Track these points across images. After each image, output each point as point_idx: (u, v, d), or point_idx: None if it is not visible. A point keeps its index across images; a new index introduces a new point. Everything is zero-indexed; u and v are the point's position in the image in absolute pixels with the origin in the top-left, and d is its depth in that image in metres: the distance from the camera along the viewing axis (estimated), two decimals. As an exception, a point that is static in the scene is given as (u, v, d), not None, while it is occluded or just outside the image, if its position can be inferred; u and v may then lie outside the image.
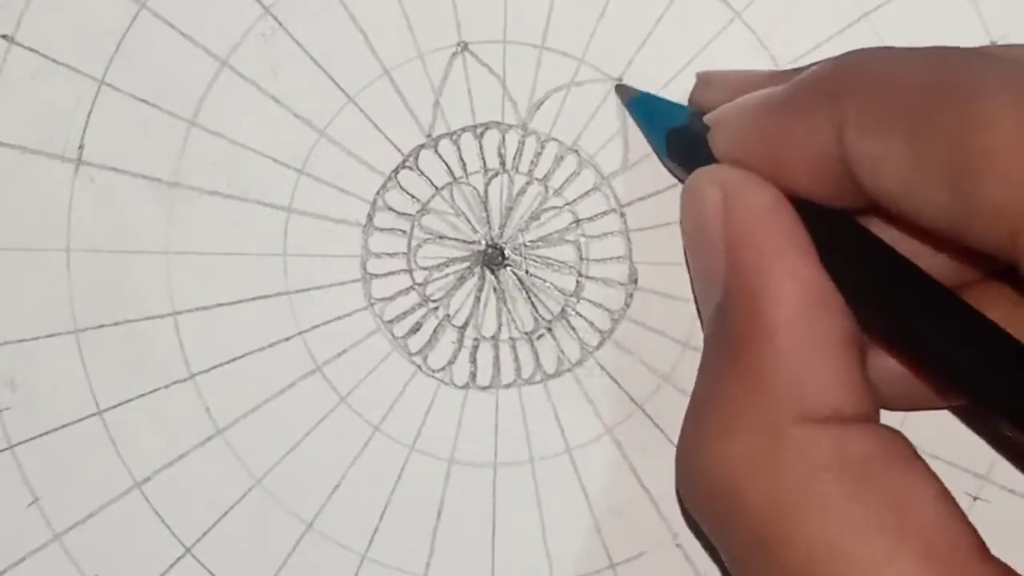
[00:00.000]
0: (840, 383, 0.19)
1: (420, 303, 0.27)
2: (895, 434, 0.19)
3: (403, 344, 0.27)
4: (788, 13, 0.27)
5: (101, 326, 0.26)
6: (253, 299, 0.27)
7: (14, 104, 0.27)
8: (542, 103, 0.27)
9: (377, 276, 0.27)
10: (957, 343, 0.18)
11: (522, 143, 0.27)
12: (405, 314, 0.27)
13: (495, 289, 0.27)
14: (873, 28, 0.27)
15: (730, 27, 0.27)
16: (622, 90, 0.27)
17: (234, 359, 0.27)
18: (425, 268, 0.27)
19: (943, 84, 0.17)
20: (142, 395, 0.26)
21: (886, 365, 0.21)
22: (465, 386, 0.27)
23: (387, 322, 0.27)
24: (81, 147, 0.27)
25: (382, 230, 0.27)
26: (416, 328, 0.27)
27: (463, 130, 0.27)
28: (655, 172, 0.27)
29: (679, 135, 0.24)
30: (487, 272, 0.27)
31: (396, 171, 0.27)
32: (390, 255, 0.27)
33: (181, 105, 0.27)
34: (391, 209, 0.27)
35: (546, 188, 0.27)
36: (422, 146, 0.27)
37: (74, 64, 0.27)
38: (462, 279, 0.27)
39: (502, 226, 0.27)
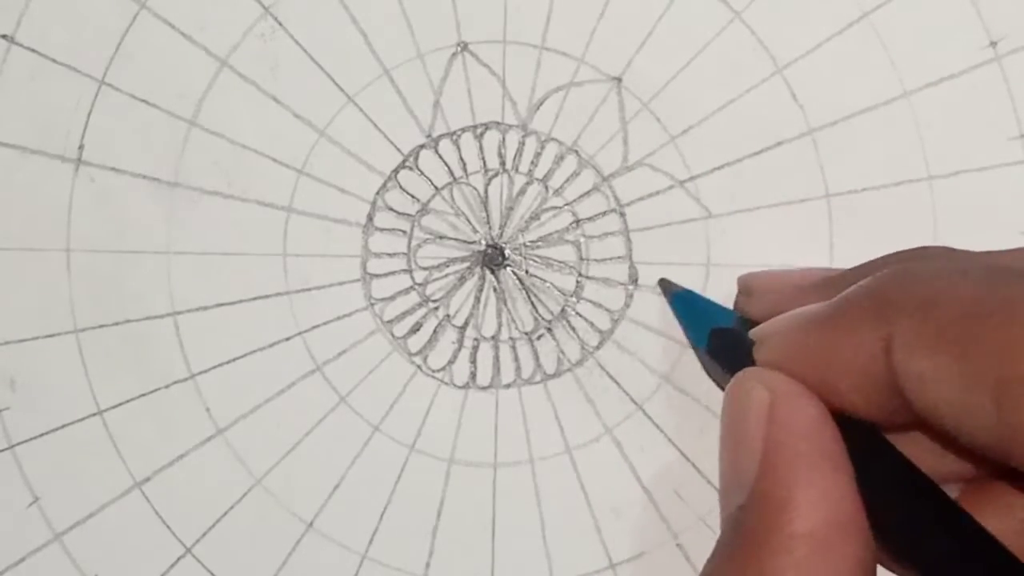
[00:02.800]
0: None
1: (420, 303, 0.27)
2: None
3: (403, 344, 0.27)
4: (788, 13, 0.27)
5: (101, 326, 0.26)
6: (253, 299, 0.27)
7: (14, 104, 0.27)
8: (542, 103, 0.27)
9: (377, 276, 0.27)
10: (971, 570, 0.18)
11: (522, 143, 0.27)
12: (405, 314, 0.27)
13: (495, 289, 0.27)
14: (873, 28, 0.27)
15: (730, 27, 0.27)
16: (665, 284, 0.27)
17: (234, 359, 0.27)
18: (425, 268, 0.27)
19: (990, 305, 0.17)
20: (142, 395, 0.26)
21: None
22: (465, 386, 0.27)
23: (387, 322, 0.27)
24: (81, 147, 0.27)
25: (382, 230, 0.27)
26: (416, 328, 0.27)
27: (463, 130, 0.27)
28: (655, 172, 0.27)
29: (724, 336, 0.24)
30: (487, 272, 0.27)
31: (396, 171, 0.27)
32: (390, 255, 0.27)
33: (181, 105, 0.27)
34: (391, 209, 0.27)
35: (546, 188, 0.27)
36: (422, 146, 0.27)
37: (74, 64, 0.27)
38: (462, 279, 0.27)
39: (502, 226, 0.27)
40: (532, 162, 0.27)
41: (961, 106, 0.27)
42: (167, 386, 0.26)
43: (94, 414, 0.26)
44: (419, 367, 0.27)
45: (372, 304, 0.27)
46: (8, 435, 0.26)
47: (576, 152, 0.27)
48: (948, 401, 0.17)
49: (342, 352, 0.27)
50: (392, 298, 0.27)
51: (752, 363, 0.21)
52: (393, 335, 0.27)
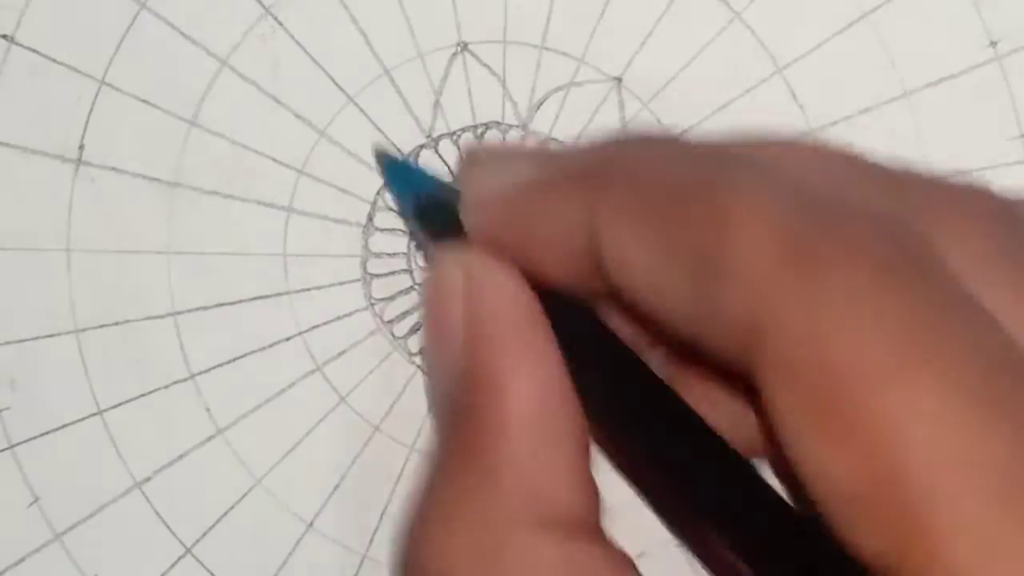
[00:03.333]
0: (572, 490, 0.18)
1: (420, 303, 0.27)
2: (620, 556, 0.18)
3: (403, 344, 0.27)
4: (788, 13, 0.27)
5: (101, 326, 0.26)
6: (253, 299, 0.27)
7: (14, 104, 0.27)
8: (542, 103, 0.27)
9: (377, 276, 0.27)
10: (680, 459, 0.18)
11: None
12: (405, 314, 0.27)
13: (495, 289, 0.27)
14: (873, 28, 0.27)
15: (730, 27, 0.27)
16: (380, 154, 0.26)
17: (234, 359, 0.27)
18: (425, 268, 0.27)
19: (697, 183, 0.16)
20: (142, 395, 0.26)
21: None
22: (465, 386, 0.27)
23: (387, 322, 0.27)
24: (81, 147, 0.27)
25: (382, 230, 0.27)
26: (416, 328, 0.27)
27: (463, 130, 0.27)
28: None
29: (431, 205, 0.23)
30: (487, 272, 0.27)
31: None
32: (390, 255, 0.27)
33: (181, 105, 0.27)
34: (391, 209, 0.27)
35: (546, 188, 0.27)
36: (422, 146, 0.27)
37: (74, 64, 0.27)
38: (462, 279, 0.27)
39: (502, 226, 0.27)
40: (532, 162, 0.27)
41: (961, 106, 0.27)
42: (167, 386, 0.26)
43: (94, 414, 0.26)
44: (419, 367, 0.27)
45: (372, 304, 0.27)
46: (8, 435, 0.26)
47: (576, 152, 0.27)
48: (646, 278, 0.17)
49: (342, 352, 0.27)
50: (392, 298, 0.27)
51: (460, 233, 0.21)
52: (393, 335, 0.27)
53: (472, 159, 0.23)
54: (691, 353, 0.18)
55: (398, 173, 0.25)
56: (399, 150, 0.26)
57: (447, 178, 0.25)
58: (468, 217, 0.20)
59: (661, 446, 0.18)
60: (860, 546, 0.13)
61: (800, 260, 0.14)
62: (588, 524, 0.18)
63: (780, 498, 0.16)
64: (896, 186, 0.17)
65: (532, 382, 0.18)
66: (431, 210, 0.23)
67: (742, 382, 0.15)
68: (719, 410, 0.19)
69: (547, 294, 0.19)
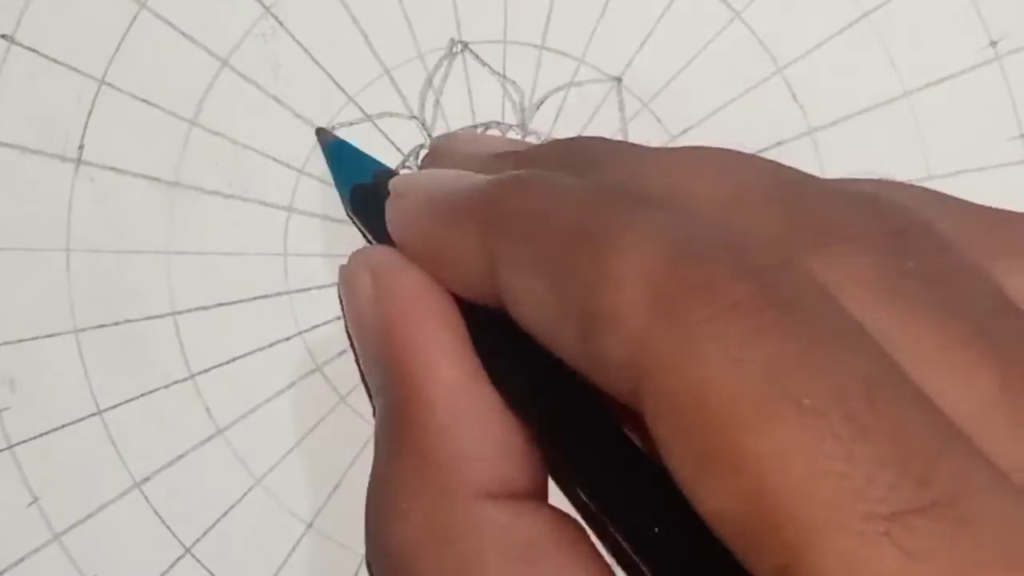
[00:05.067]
0: (505, 456, 0.19)
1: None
2: (566, 517, 0.19)
3: (403, 344, 0.27)
4: (788, 13, 0.27)
5: (101, 326, 0.26)
6: (253, 299, 0.27)
7: (14, 104, 0.27)
8: (542, 103, 0.27)
9: (377, 276, 0.27)
10: (586, 451, 0.18)
11: (522, 143, 0.27)
12: (405, 314, 0.27)
13: (495, 289, 0.27)
14: (873, 28, 0.27)
15: (730, 27, 0.27)
16: (322, 134, 0.26)
17: (234, 359, 0.27)
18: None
19: (584, 231, 0.17)
20: (142, 395, 0.26)
21: None
22: (465, 386, 0.27)
23: (387, 322, 0.27)
24: (81, 147, 0.27)
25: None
26: (416, 328, 0.27)
27: (463, 130, 0.27)
28: (655, 172, 0.27)
29: (366, 194, 0.24)
30: (487, 272, 0.27)
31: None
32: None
33: (181, 105, 0.27)
34: (391, 209, 0.27)
35: (546, 188, 0.27)
36: (422, 146, 0.27)
37: (74, 64, 0.27)
38: (462, 279, 0.27)
39: (502, 226, 0.27)
40: (532, 162, 0.27)
41: (961, 106, 0.27)
42: (167, 386, 0.26)
43: (94, 414, 0.26)
44: (419, 367, 0.27)
45: (372, 304, 0.27)
46: (8, 435, 0.26)
47: (576, 152, 0.27)
48: (541, 320, 0.18)
49: (342, 352, 0.27)
50: (392, 298, 0.27)
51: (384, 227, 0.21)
52: (393, 335, 0.27)
53: (432, 153, 0.24)
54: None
55: (340, 156, 0.26)
56: (327, 136, 0.26)
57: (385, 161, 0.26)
58: (390, 217, 0.22)
59: (573, 441, 0.19)
60: (753, 568, 0.14)
61: (669, 311, 0.15)
62: (530, 491, 0.19)
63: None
64: (786, 202, 0.18)
65: (447, 360, 0.19)
66: (366, 200, 0.24)
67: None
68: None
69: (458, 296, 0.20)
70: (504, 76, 0.27)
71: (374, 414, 0.21)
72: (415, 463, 0.19)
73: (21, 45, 0.27)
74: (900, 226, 0.17)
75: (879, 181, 0.20)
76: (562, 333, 0.17)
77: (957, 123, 0.27)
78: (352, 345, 0.23)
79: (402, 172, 0.24)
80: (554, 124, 0.27)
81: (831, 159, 0.27)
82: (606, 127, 0.27)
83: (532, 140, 0.27)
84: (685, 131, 0.27)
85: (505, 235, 0.18)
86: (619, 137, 0.27)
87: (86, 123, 0.27)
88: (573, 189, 0.18)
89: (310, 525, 0.26)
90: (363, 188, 0.24)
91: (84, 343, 0.26)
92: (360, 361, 0.22)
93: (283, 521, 0.26)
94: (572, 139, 0.26)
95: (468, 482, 0.19)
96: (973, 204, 0.19)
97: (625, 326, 0.15)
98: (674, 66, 0.27)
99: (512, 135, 0.27)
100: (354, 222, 0.26)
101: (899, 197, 0.18)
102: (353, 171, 0.25)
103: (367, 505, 0.21)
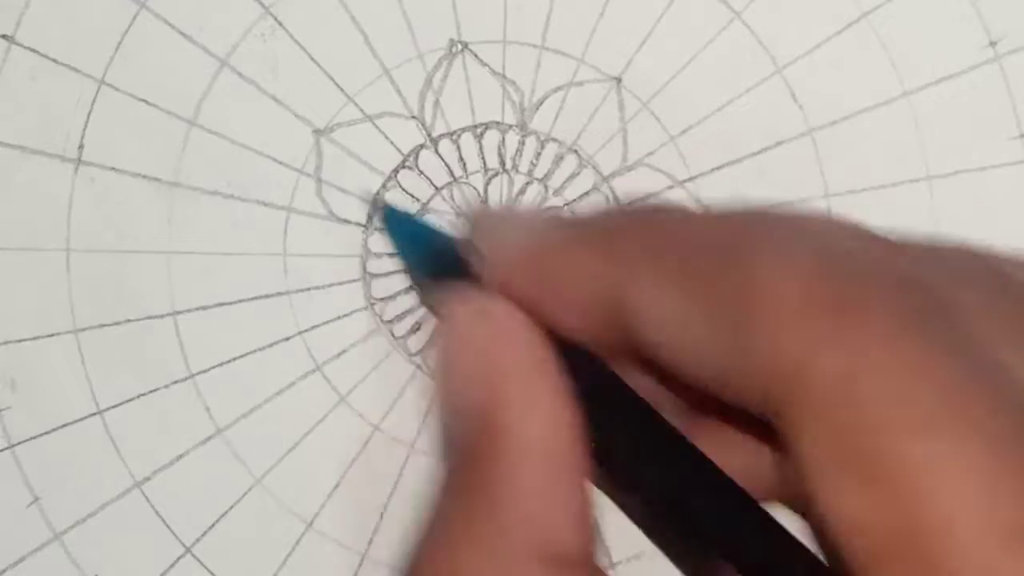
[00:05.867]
0: (572, 528, 0.19)
1: (420, 303, 0.27)
2: None
3: (403, 344, 0.27)
4: (788, 13, 0.27)
5: (101, 326, 0.26)
6: (253, 299, 0.27)
7: (14, 104, 0.27)
8: (542, 103, 0.27)
9: (377, 276, 0.27)
10: (689, 496, 0.18)
11: (522, 143, 0.27)
12: (405, 314, 0.27)
13: (495, 289, 0.27)
14: (873, 28, 0.27)
15: (730, 27, 0.27)
16: (380, 205, 0.26)
17: (234, 359, 0.27)
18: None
19: (720, 242, 0.17)
20: (142, 395, 0.26)
21: None
22: (465, 386, 0.27)
23: (387, 322, 0.27)
24: (81, 147, 0.27)
25: (382, 230, 0.27)
26: (416, 328, 0.27)
27: (463, 130, 0.27)
28: (655, 172, 0.27)
29: (438, 255, 0.24)
30: (487, 272, 0.27)
31: (396, 171, 0.27)
32: (390, 255, 0.27)
33: (181, 105, 0.27)
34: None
35: (546, 188, 0.27)
36: (422, 146, 0.27)
37: (74, 64, 0.27)
38: (462, 279, 0.27)
39: (502, 226, 0.27)
40: (532, 162, 0.27)
41: (961, 106, 0.27)
42: (167, 386, 0.26)
43: (94, 414, 0.26)
44: (419, 367, 0.27)
45: (372, 304, 0.27)
46: (8, 435, 0.26)
47: (576, 152, 0.27)
48: (676, 335, 0.17)
49: (342, 352, 0.27)
50: (392, 298, 0.27)
51: (474, 286, 0.21)
52: (393, 335, 0.27)
53: (486, 217, 0.24)
54: (710, 403, 0.18)
55: (399, 223, 0.26)
56: (401, 206, 0.26)
57: (446, 225, 0.26)
58: (489, 271, 0.21)
59: (675, 492, 0.18)
60: None
61: (833, 310, 0.15)
62: (584, 560, 0.19)
63: (797, 541, 0.16)
64: (911, 253, 0.18)
65: (542, 425, 0.19)
66: (438, 260, 0.24)
67: (761, 429, 0.16)
68: (734, 458, 0.19)
69: (562, 344, 0.20)
70: (504, 76, 0.27)
71: (444, 457, 0.21)
72: (483, 513, 0.19)
73: (21, 45, 0.27)
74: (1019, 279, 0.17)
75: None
76: (701, 343, 0.17)
77: (957, 123, 0.27)
78: (435, 390, 0.22)
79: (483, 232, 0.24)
80: (554, 124, 0.27)
81: (831, 159, 0.27)
82: (606, 127, 0.27)
83: (532, 140, 0.27)
84: (685, 131, 0.27)
85: (636, 253, 0.18)
86: (619, 137, 0.27)
87: (86, 123, 0.27)
88: (705, 211, 0.18)
89: (310, 525, 0.26)
90: (442, 252, 0.24)
91: (84, 343, 0.26)
92: (444, 403, 0.22)
93: (283, 521, 0.26)
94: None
95: (530, 544, 0.18)
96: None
97: (778, 323, 0.15)
98: (674, 66, 0.27)
99: (512, 135, 0.27)
100: (420, 294, 0.26)
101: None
102: (421, 239, 0.25)
103: (420, 534, 0.20)
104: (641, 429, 0.19)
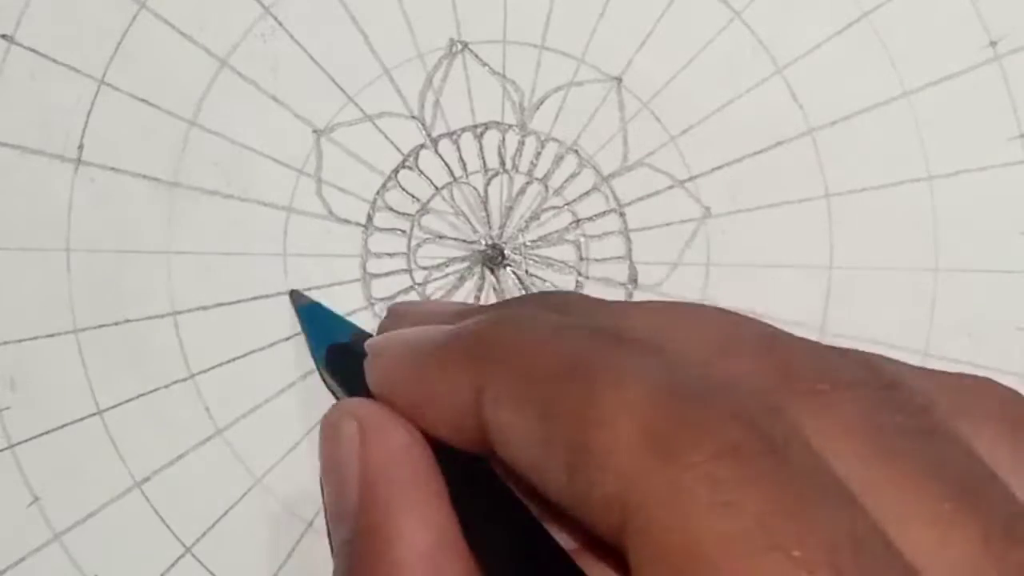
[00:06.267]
0: None
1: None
2: None
3: (403, 344, 0.27)
4: (788, 13, 0.27)
5: (101, 326, 0.26)
6: (253, 299, 0.27)
7: (14, 104, 0.27)
8: (542, 103, 0.27)
9: (377, 276, 0.27)
10: None
11: (522, 143, 0.27)
12: (405, 314, 0.27)
13: (495, 289, 0.27)
14: (873, 28, 0.27)
15: (730, 27, 0.27)
16: (295, 296, 0.26)
17: (234, 359, 0.27)
18: (425, 268, 0.27)
19: (574, 366, 0.17)
20: (142, 395, 0.26)
21: None
22: (465, 386, 0.27)
23: (387, 322, 0.27)
24: (81, 147, 0.27)
25: (382, 230, 0.27)
26: (416, 328, 0.27)
27: (463, 130, 0.27)
28: (655, 172, 0.27)
29: (340, 353, 0.24)
30: (487, 272, 0.27)
31: (396, 171, 0.27)
32: (390, 255, 0.27)
33: (181, 105, 0.27)
34: (391, 209, 0.27)
35: (546, 188, 0.27)
36: (422, 146, 0.27)
37: (74, 64, 0.27)
38: (462, 279, 0.27)
39: (502, 226, 0.27)
40: (532, 162, 0.27)
41: (961, 106, 0.27)
42: (167, 386, 0.26)
43: (94, 414, 0.26)
44: (419, 367, 0.27)
45: (372, 304, 0.27)
46: (8, 435, 0.26)
47: (576, 152, 0.27)
48: (528, 456, 0.18)
49: (342, 352, 0.27)
50: (392, 298, 0.27)
51: (364, 386, 0.22)
52: (393, 335, 0.27)
53: (395, 314, 0.24)
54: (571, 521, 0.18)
55: (313, 318, 0.26)
56: (300, 299, 0.27)
57: (358, 324, 0.26)
58: (371, 370, 0.22)
59: None
60: None
61: (662, 450, 0.15)
62: None
63: None
64: (775, 351, 0.18)
65: (423, 527, 0.19)
66: (341, 359, 0.24)
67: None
68: (606, 563, 0.19)
69: (442, 447, 0.20)
70: (504, 76, 0.27)
71: (333, 554, 0.22)
72: None
73: (21, 45, 0.27)
74: (889, 380, 0.17)
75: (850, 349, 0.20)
76: (549, 468, 0.17)
77: (957, 123, 0.27)
78: (321, 491, 0.23)
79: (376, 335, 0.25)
80: (554, 124, 0.27)
81: (831, 159, 0.27)
82: (606, 127, 0.27)
83: (532, 140, 0.27)
84: (685, 131, 0.27)
85: (493, 370, 0.18)
86: (619, 137, 0.27)
87: (86, 123, 0.27)
88: (562, 326, 0.18)
89: (310, 525, 0.26)
90: (339, 347, 0.25)
91: (84, 343, 0.26)
92: (328, 508, 0.22)
93: (283, 521, 0.26)
94: (548, 292, 0.27)
95: None
96: (933, 370, 0.19)
97: (616, 462, 0.15)
98: (674, 66, 0.27)
99: (512, 135, 0.27)
100: (325, 382, 0.26)
101: (875, 356, 0.18)
102: (326, 332, 0.25)
103: None
104: (517, 531, 0.19)
